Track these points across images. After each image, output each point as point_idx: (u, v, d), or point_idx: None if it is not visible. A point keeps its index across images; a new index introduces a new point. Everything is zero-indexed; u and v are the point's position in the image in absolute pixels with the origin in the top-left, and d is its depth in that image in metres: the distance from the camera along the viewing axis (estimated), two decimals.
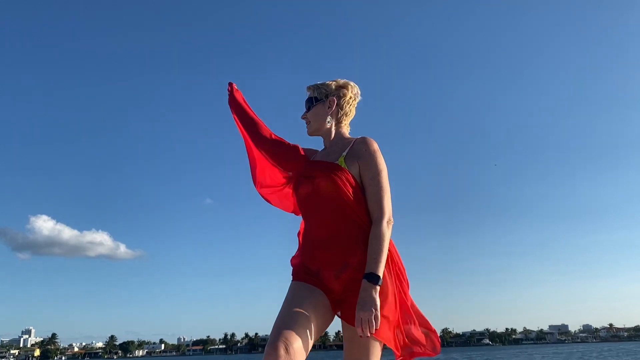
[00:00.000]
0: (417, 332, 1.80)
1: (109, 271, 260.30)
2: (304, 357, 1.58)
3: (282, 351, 1.51)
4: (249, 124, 2.07)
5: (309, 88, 2.00)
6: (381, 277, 1.66)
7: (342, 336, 1.68)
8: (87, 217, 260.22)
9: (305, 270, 1.82)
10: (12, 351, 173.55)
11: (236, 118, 2.11)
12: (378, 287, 1.63)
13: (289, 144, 2.02)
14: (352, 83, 1.99)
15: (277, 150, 2.01)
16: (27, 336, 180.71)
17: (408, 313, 1.79)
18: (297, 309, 1.66)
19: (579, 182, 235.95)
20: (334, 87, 1.95)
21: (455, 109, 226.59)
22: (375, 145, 1.83)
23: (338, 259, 1.76)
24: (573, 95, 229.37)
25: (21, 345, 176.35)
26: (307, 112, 1.99)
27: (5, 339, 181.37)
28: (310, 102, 1.97)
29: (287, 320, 1.62)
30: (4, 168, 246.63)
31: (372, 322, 1.58)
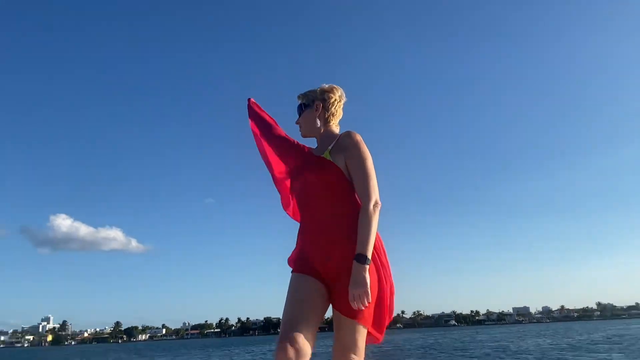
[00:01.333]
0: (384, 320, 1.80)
1: (122, 264, 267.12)
2: (310, 348, 1.62)
3: (289, 347, 1.56)
4: (264, 127, 2.17)
5: (298, 97, 2.05)
6: (369, 257, 1.67)
7: (327, 320, 1.76)
8: (102, 215, 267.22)
9: (302, 260, 1.84)
10: (27, 337, 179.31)
11: (254, 126, 2.20)
12: (367, 267, 1.65)
13: (293, 141, 2.12)
14: (336, 87, 2.02)
15: (282, 145, 2.10)
16: (45, 323, 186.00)
17: (384, 301, 1.77)
18: (299, 302, 1.71)
19: (539, 179, 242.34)
20: (319, 92, 2.00)
21: (444, 115, 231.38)
22: (359, 137, 1.83)
23: (326, 248, 1.77)
24: (537, 99, 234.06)
25: (40, 331, 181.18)
26: (299, 117, 2.04)
27: (26, 326, 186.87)
28: (301, 109, 2.03)
29: (291, 316, 1.67)
30: (26, 172, 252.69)
31: (363, 297, 1.62)
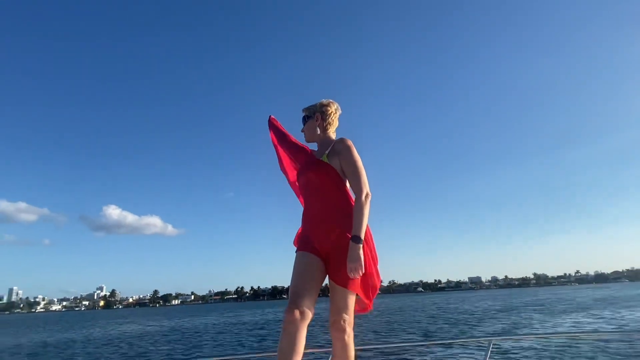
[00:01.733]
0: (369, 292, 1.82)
1: (160, 244, 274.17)
2: (311, 311, 1.68)
3: (294, 308, 1.63)
4: (280, 137, 2.20)
5: (303, 110, 2.08)
6: (362, 238, 1.71)
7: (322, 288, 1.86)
8: (145, 205, 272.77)
9: (304, 240, 1.87)
10: (84, 302, 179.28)
11: (272, 136, 2.23)
12: (360, 245, 1.70)
13: (302, 146, 2.13)
14: (332, 101, 2.06)
15: (293, 149, 2.14)
16: (99, 291, 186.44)
17: (370, 277, 1.81)
18: (302, 274, 1.75)
19: (492, 176, 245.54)
20: (318, 106, 2.03)
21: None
22: (350, 142, 1.88)
23: (325, 232, 1.81)
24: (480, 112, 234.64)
25: (94, 298, 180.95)
26: (303, 127, 2.07)
27: (83, 294, 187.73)
28: (304, 120, 2.06)
29: (296, 285, 1.72)
30: (82, 169, 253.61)
31: (358, 269, 1.68)
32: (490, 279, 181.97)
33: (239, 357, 2.10)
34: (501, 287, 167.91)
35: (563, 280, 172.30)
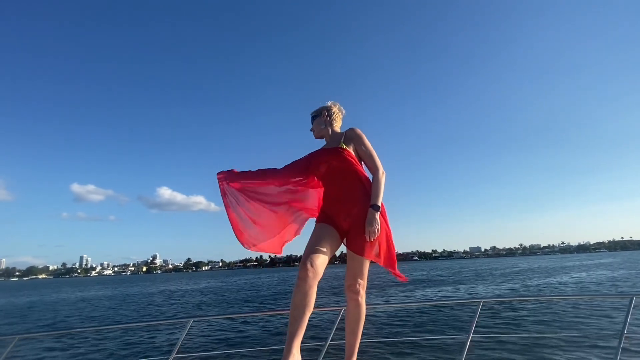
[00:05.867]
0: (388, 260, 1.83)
1: (205, 219, 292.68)
2: (322, 270, 1.69)
3: (309, 266, 1.64)
4: (255, 191, 1.96)
5: (311, 113, 2.10)
6: (380, 206, 1.77)
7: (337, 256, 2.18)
8: (192, 186, 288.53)
9: (325, 215, 1.88)
10: (129, 268, 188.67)
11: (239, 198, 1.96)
12: (378, 213, 1.76)
13: (299, 161, 1.97)
14: (335, 103, 2.10)
15: (293, 172, 1.94)
16: (152, 258, 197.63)
17: (387, 245, 1.83)
18: (319, 240, 1.76)
19: (490, 159, 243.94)
20: (324, 107, 2.08)
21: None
22: (360, 130, 1.93)
23: (346, 209, 1.83)
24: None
25: (148, 264, 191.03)
26: (312, 125, 2.08)
27: (139, 260, 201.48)
28: (313, 119, 2.08)
29: (312, 247, 1.73)
30: (143, 157, 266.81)
31: (375, 232, 1.74)
32: (489, 248, 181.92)
33: (254, 314, 2.12)
34: (490, 256, 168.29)
35: (547, 250, 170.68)
